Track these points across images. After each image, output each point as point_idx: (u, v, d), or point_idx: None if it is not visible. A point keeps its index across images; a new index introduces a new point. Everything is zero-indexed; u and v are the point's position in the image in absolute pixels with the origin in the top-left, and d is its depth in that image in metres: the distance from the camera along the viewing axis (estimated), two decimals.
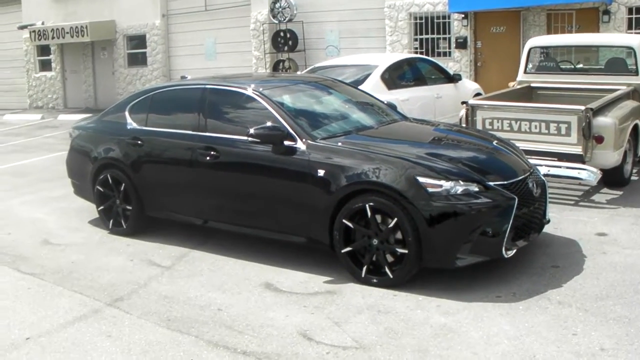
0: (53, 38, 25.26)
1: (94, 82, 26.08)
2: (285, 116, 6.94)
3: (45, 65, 27.53)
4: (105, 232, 8.47)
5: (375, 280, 6.21)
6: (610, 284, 6.01)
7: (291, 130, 6.77)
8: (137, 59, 24.76)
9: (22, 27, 26.47)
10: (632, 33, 15.21)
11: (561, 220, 7.92)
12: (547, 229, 7.24)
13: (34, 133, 20.35)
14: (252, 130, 6.77)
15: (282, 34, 20.35)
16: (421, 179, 5.96)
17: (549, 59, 11.67)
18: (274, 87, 7.66)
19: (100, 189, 8.41)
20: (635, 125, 9.44)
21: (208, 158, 7.25)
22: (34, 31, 25.73)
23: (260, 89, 7.34)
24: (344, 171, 6.31)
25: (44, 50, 27.33)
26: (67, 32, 24.59)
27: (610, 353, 4.77)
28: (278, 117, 6.93)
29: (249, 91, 7.35)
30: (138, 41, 24.62)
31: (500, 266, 6.41)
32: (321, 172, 6.42)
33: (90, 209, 8.94)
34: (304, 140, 6.69)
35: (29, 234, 8.68)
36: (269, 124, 6.84)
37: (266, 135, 6.75)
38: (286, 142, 6.71)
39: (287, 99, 7.45)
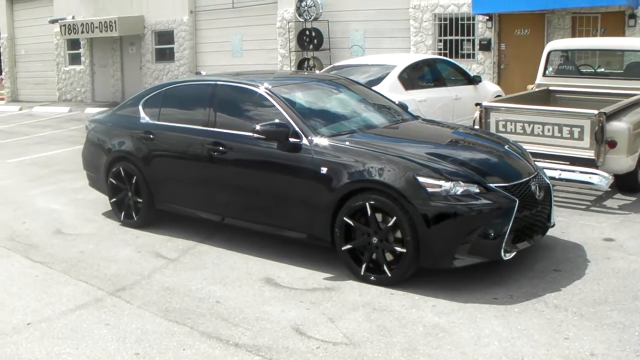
0: (82, 32, 25.55)
1: (121, 77, 26.32)
2: (292, 113, 6.97)
3: (74, 59, 27.84)
4: (117, 224, 8.58)
5: (373, 278, 6.23)
6: (610, 289, 5.96)
7: (296, 128, 6.80)
8: (165, 55, 24.95)
9: (53, 21, 26.77)
10: None
11: (569, 225, 7.88)
12: (553, 232, 7.23)
13: (60, 125, 20.62)
14: (257, 127, 6.83)
15: (307, 32, 20.40)
16: (421, 179, 5.97)
17: (569, 63, 11.58)
18: (284, 85, 7.69)
19: (113, 182, 8.54)
20: None
21: (216, 153, 7.32)
22: (64, 25, 26.03)
23: (269, 86, 7.38)
24: (346, 169, 6.34)
25: (73, 44, 27.67)
26: (97, 27, 24.86)
27: (599, 359, 4.74)
28: (284, 114, 6.97)
29: (258, 88, 7.40)
30: (166, 37, 24.80)
31: (501, 268, 6.41)
32: (324, 170, 6.45)
33: (105, 201, 9.04)
34: (309, 137, 6.72)
35: (43, 223, 8.82)
36: (275, 120, 6.90)
37: (271, 132, 6.79)
38: (291, 139, 6.75)
39: (295, 97, 7.49)
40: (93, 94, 27.28)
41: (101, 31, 24.84)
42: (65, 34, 26.28)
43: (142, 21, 25.01)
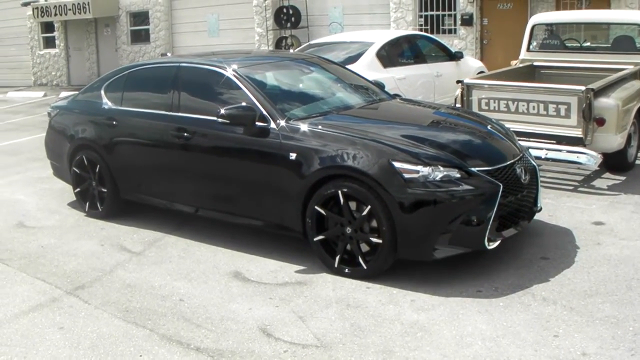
0: (56, 15, 25.01)
1: (97, 59, 25.76)
2: (259, 95, 6.51)
3: (49, 43, 27.26)
4: (82, 215, 8.15)
5: (348, 271, 5.81)
6: (602, 279, 5.57)
7: (264, 111, 6.35)
8: (140, 36, 24.43)
9: (26, 4, 26.13)
10: None
11: (557, 208, 7.48)
12: (540, 217, 6.84)
13: (34, 111, 20.04)
14: (222, 111, 6.37)
15: (285, 10, 19.89)
16: (397, 164, 5.52)
17: (554, 37, 11.15)
18: (251, 65, 7.24)
19: (77, 171, 8.12)
20: None
21: (180, 140, 6.87)
22: (37, 8, 25.46)
23: (236, 67, 6.91)
24: (317, 154, 5.90)
25: (48, 27, 27.07)
26: (70, 9, 24.33)
27: (592, 359, 4.35)
28: (251, 96, 6.51)
29: (224, 69, 6.93)
30: (141, 18, 24.27)
31: (486, 257, 5.99)
32: (293, 156, 6.01)
33: (71, 191, 8.58)
34: (277, 121, 6.27)
35: (5, 216, 8.39)
36: (241, 103, 6.44)
37: (237, 116, 6.34)
38: (258, 124, 6.31)
39: (263, 78, 7.06)
40: (69, 78, 26.71)
41: (75, 13, 24.28)
42: (38, 17, 25.70)
43: (117, 2, 24.44)
